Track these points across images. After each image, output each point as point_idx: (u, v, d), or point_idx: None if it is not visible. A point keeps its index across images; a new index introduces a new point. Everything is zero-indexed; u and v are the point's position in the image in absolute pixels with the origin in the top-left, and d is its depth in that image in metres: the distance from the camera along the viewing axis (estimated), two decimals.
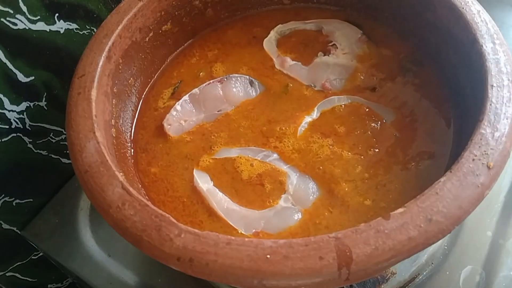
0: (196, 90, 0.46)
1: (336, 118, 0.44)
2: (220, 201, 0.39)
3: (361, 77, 0.46)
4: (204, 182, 0.40)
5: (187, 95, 0.46)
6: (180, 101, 0.45)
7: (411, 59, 0.47)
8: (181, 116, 0.45)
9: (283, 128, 0.43)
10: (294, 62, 0.48)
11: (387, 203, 0.37)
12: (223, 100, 0.46)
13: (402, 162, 0.40)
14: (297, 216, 0.38)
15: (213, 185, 0.40)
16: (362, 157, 0.41)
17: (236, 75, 0.47)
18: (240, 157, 0.42)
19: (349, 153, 0.41)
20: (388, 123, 0.43)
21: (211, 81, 0.46)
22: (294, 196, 0.39)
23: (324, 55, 0.48)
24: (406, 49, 0.47)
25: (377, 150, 0.41)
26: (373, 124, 0.42)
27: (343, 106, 0.44)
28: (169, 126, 0.44)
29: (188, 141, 0.44)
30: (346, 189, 0.39)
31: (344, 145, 0.42)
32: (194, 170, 0.41)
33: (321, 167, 0.40)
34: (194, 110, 0.45)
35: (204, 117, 0.45)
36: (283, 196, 0.39)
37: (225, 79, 0.46)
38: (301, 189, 0.39)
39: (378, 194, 0.38)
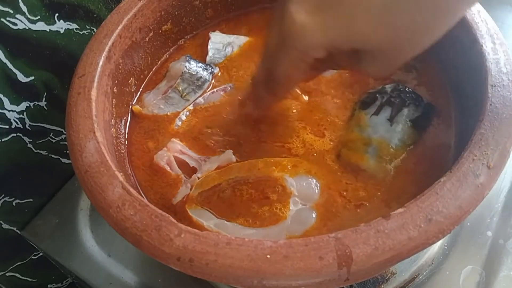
0: (200, 100, 0.46)
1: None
2: (233, 231, 0.36)
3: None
4: (208, 220, 0.37)
5: (191, 104, 0.46)
6: (185, 110, 0.45)
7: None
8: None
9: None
10: None
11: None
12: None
13: None
14: (314, 213, 0.37)
15: (218, 217, 0.38)
16: None
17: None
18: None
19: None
20: None
21: (215, 89, 0.46)
22: (300, 196, 0.38)
23: None
24: None
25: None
26: None
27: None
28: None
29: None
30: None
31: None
32: (189, 211, 0.38)
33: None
34: (198, 119, 0.45)
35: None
36: (290, 200, 0.38)
37: (229, 88, 0.46)
38: (303, 186, 0.39)
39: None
